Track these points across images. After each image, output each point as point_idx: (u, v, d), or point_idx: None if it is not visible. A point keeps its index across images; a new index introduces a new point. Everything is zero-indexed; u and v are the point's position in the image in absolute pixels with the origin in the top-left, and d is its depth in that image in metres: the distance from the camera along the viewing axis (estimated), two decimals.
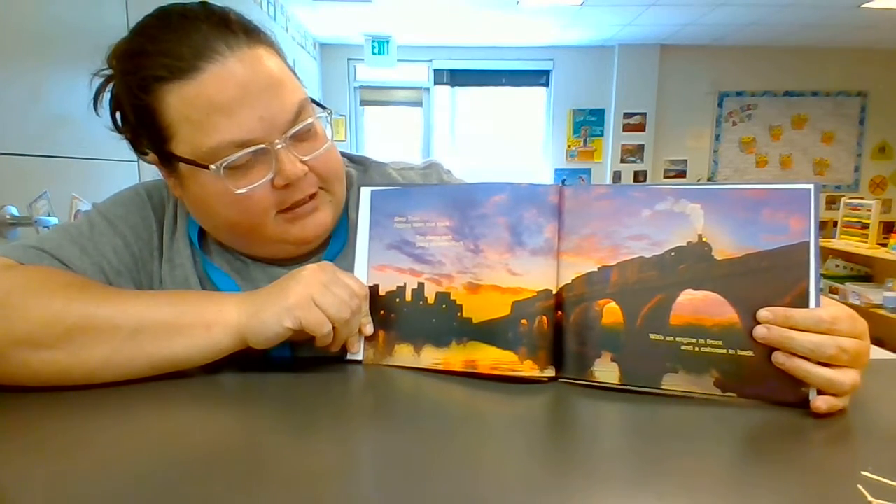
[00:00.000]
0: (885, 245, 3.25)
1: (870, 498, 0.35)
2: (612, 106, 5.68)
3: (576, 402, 0.52)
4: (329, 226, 0.68)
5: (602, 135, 5.78)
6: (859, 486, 0.36)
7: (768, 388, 0.48)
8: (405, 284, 0.60)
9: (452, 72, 5.66)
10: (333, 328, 0.56)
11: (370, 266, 0.62)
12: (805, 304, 0.48)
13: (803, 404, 0.48)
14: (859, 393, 0.51)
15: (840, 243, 3.47)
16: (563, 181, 5.86)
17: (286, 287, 0.56)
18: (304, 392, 0.54)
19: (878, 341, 2.76)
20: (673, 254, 0.51)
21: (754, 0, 4.12)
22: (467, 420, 0.49)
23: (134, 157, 2.23)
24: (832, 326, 0.47)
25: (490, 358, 0.55)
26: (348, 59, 5.48)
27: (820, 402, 0.47)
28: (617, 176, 5.76)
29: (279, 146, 0.59)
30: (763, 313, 0.48)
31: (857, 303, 3.23)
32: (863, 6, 4.15)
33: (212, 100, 0.56)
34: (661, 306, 0.51)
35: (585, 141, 5.81)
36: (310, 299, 0.54)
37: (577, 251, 0.55)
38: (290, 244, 0.67)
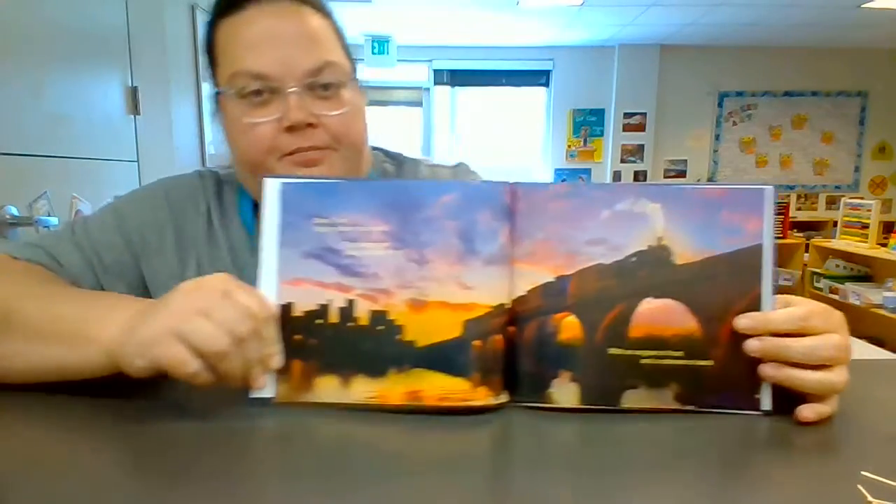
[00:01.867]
0: (885, 245, 3.25)
1: (870, 498, 0.35)
2: (612, 106, 5.68)
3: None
4: None
5: (602, 135, 5.79)
6: (859, 486, 0.36)
7: (725, 397, 0.47)
8: (329, 302, 0.49)
9: (452, 72, 5.66)
10: (216, 361, 0.46)
11: (280, 280, 0.50)
12: (758, 308, 0.47)
13: (757, 411, 0.47)
14: (859, 393, 0.51)
15: (840, 243, 3.47)
16: (563, 181, 5.87)
17: (155, 311, 0.46)
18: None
19: (878, 341, 2.76)
20: (633, 259, 0.48)
21: (754, 0, 4.12)
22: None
23: (134, 156, 2.23)
24: (806, 324, 0.46)
25: (437, 387, 0.48)
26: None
27: (807, 412, 0.46)
28: (617, 176, 5.76)
29: (292, 90, 0.64)
30: (743, 322, 0.47)
31: (857, 303, 3.23)
32: (863, 6, 4.15)
33: (243, 34, 0.66)
34: (621, 317, 0.48)
35: (585, 141, 5.81)
36: (170, 332, 0.44)
37: (532, 259, 0.49)
38: None
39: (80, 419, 0.48)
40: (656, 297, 0.48)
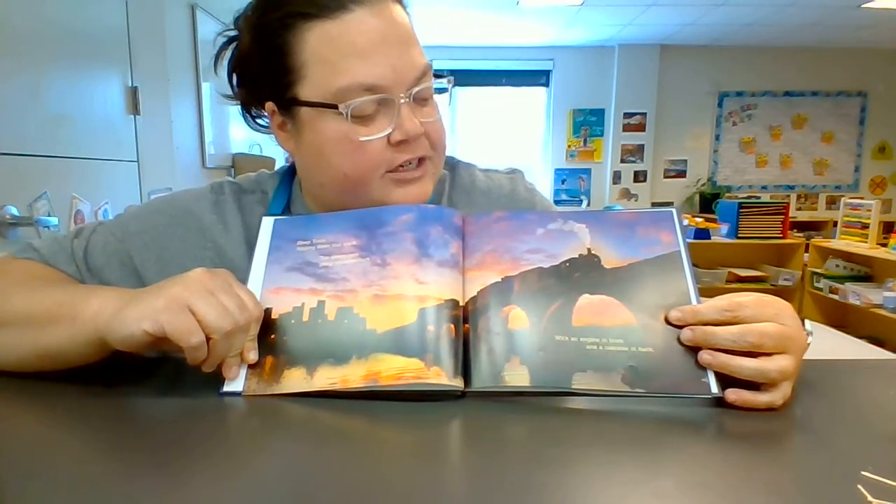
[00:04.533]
0: (885, 245, 3.24)
1: (870, 498, 0.35)
2: (612, 106, 5.69)
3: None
4: (426, 199, 0.66)
5: (602, 135, 5.79)
6: (859, 486, 0.36)
7: (672, 382, 0.49)
8: (303, 304, 0.55)
9: (452, 72, 5.64)
10: (209, 341, 0.48)
11: (264, 290, 0.57)
12: (687, 301, 0.52)
13: (706, 394, 0.48)
14: (859, 393, 0.51)
15: (840, 243, 3.47)
16: (563, 181, 5.87)
17: (164, 286, 0.50)
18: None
19: (878, 341, 2.76)
20: (567, 264, 0.55)
21: (754, 0, 4.12)
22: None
23: (134, 156, 2.22)
24: (736, 314, 0.48)
25: (394, 367, 0.51)
26: None
27: (729, 394, 0.48)
28: (617, 176, 5.76)
29: (403, 101, 0.61)
30: (674, 314, 0.50)
31: (857, 303, 3.22)
32: (863, 6, 4.15)
33: (352, 41, 0.58)
34: (563, 309, 0.53)
35: (585, 141, 5.81)
36: (183, 303, 0.47)
37: (481, 266, 0.56)
38: None
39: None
40: (591, 294, 0.53)
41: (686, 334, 0.49)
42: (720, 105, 5.73)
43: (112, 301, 0.51)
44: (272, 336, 0.54)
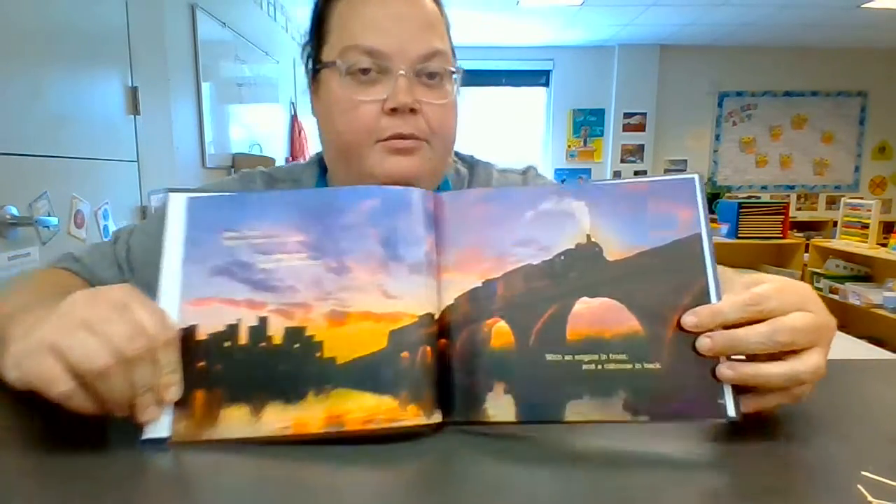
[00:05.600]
0: (885, 245, 3.24)
1: (870, 498, 0.35)
2: (612, 106, 5.69)
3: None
4: (414, 178, 0.65)
5: (602, 135, 5.79)
6: (859, 486, 0.36)
7: (682, 404, 0.42)
8: (239, 321, 0.44)
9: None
10: (95, 384, 0.39)
11: (182, 300, 0.44)
12: (706, 302, 0.43)
13: (722, 418, 0.42)
14: (859, 393, 0.51)
15: (840, 243, 3.47)
16: (563, 181, 5.86)
17: (41, 320, 0.40)
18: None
19: (878, 341, 2.76)
20: (562, 258, 0.45)
21: (754, 0, 4.12)
22: None
23: (134, 156, 2.22)
24: (761, 307, 0.41)
25: (362, 408, 0.42)
26: None
27: (750, 404, 0.42)
28: (617, 176, 5.76)
29: (401, 72, 0.63)
30: (689, 319, 0.42)
31: (857, 303, 3.22)
32: (863, 6, 4.15)
33: (369, 12, 0.64)
34: (555, 319, 0.44)
35: (585, 141, 5.81)
36: (45, 345, 0.38)
37: (459, 266, 0.46)
38: (378, 181, 0.65)
39: None
40: (591, 296, 0.44)
41: (704, 343, 0.42)
42: (720, 105, 5.73)
43: (19, 331, 0.42)
44: (200, 363, 0.43)
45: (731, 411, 0.41)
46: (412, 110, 0.64)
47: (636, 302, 0.44)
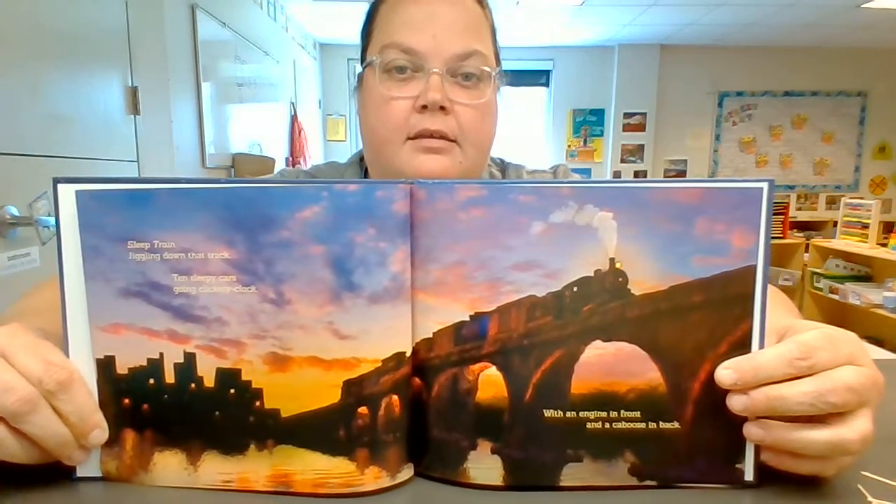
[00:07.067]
0: (885, 245, 3.25)
1: (870, 498, 0.35)
2: (612, 106, 5.68)
3: None
4: (447, 177, 0.65)
5: (602, 135, 5.79)
6: (859, 486, 0.36)
7: (696, 468, 0.37)
8: (162, 356, 0.37)
9: None
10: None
11: (93, 324, 0.37)
12: (746, 350, 0.36)
13: (738, 483, 0.37)
14: None
15: (840, 243, 3.47)
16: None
17: None
18: None
19: (877, 341, 2.76)
20: (575, 289, 0.36)
21: (754, 0, 4.12)
22: None
23: (134, 156, 2.23)
24: (811, 363, 0.34)
25: (312, 470, 0.36)
26: (348, 59, 5.48)
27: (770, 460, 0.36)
28: (617, 176, 5.76)
29: (435, 70, 0.63)
30: (725, 375, 0.35)
31: (857, 303, 3.23)
32: (863, 6, 4.15)
33: (409, 11, 0.65)
34: (559, 369, 0.37)
35: (585, 141, 5.81)
36: None
37: (440, 289, 0.37)
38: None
39: None
40: (606, 339, 0.37)
41: (738, 402, 0.35)
42: (720, 105, 5.73)
43: None
44: (126, 401, 0.37)
45: (750, 475, 0.37)
46: (443, 108, 0.63)
47: (662, 349, 0.36)
